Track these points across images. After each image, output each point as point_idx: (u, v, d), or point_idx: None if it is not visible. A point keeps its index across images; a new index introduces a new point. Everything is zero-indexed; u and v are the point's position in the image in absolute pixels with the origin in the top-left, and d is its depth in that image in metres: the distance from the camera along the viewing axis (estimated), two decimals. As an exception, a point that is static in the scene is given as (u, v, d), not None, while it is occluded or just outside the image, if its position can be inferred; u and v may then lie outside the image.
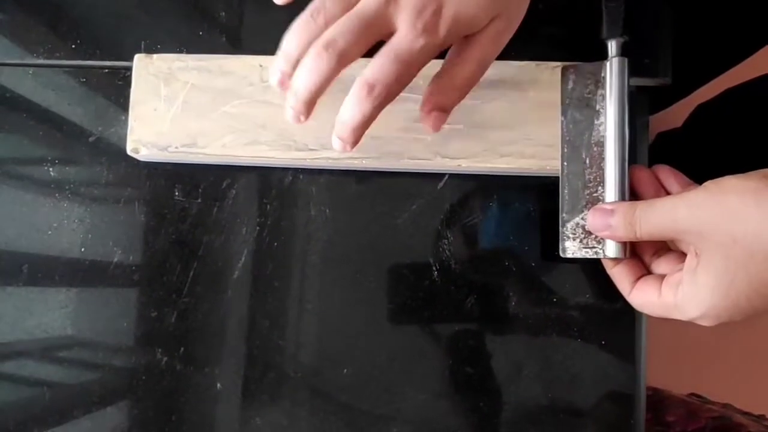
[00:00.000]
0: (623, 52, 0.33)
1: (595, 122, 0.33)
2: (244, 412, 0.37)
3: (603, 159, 0.33)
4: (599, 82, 0.33)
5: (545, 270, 0.36)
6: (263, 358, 0.37)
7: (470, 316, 0.36)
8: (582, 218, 0.33)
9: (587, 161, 0.33)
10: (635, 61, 0.34)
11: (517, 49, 0.37)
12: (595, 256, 0.33)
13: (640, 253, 0.33)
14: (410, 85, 0.35)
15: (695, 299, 0.28)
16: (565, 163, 0.34)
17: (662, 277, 0.31)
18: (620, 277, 0.33)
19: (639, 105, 0.37)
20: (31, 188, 0.39)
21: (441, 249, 0.37)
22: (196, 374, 0.37)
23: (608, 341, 0.36)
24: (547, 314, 0.36)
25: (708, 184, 0.28)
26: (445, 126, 0.35)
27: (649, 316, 0.36)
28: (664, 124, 0.86)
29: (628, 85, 0.33)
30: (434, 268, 0.37)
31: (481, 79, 0.35)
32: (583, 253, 0.33)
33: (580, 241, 0.33)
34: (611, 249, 0.32)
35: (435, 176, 0.37)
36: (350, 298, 0.37)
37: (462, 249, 0.37)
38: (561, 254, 0.34)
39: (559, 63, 0.35)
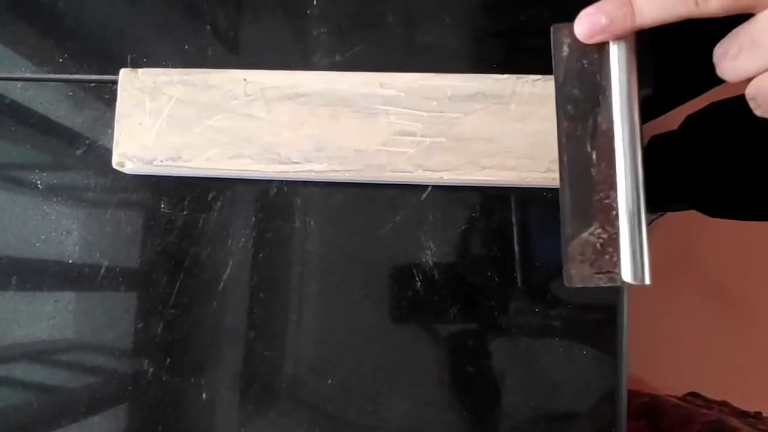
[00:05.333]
0: None
1: (601, 104, 0.26)
2: (230, 422, 0.37)
3: (614, 152, 0.26)
4: (603, 50, 0.26)
5: (527, 280, 0.37)
6: (249, 369, 0.37)
7: (453, 325, 0.37)
8: (591, 233, 0.26)
9: (594, 156, 0.26)
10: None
11: (499, 62, 0.37)
12: (610, 284, 0.26)
13: None
14: (391, 97, 0.36)
15: None
16: (566, 159, 0.26)
17: None
18: None
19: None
20: (20, 200, 0.39)
21: (424, 260, 0.37)
22: (183, 385, 0.37)
23: (590, 350, 0.37)
24: (530, 324, 0.37)
25: None
26: (427, 139, 0.35)
27: (632, 323, 0.36)
28: (658, 128, 0.86)
29: (638, 54, 0.26)
30: (417, 279, 0.37)
31: (462, 93, 0.36)
32: (596, 281, 0.26)
33: (590, 264, 0.26)
34: (628, 272, 0.26)
35: (418, 188, 0.37)
36: (334, 308, 0.37)
37: (445, 259, 0.37)
38: (566, 283, 0.26)
39: (539, 76, 0.35)
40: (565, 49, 0.27)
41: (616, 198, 0.26)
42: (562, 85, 0.27)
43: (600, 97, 0.26)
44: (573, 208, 0.26)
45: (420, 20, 0.38)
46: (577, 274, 0.26)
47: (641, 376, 1.04)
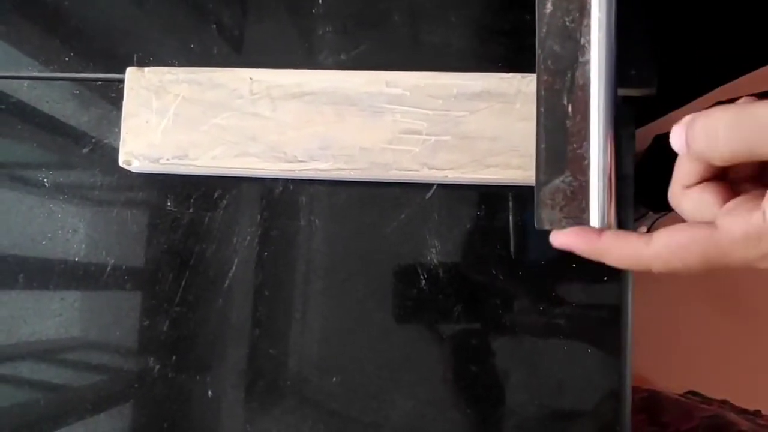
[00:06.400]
0: None
1: (580, 59, 0.27)
2: (234, 419, 0.37)
3: (589, 107, 0.27)
4: (584, 8, 0.27)
5: (532, 278, 0.37)
6: (254, 367, 0.37)
7: (458, 324, 0.37)
8: (563, 180, 0.27)
9: (569, 109, 0.27)
10: (620, 72, 0.33)
11: (504, 60, 0.37)
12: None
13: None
14: (396, 95, 0.36)
15: None
16: (542, 110, 0.28)
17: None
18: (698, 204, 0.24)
19: (625, 116, 0.37)
20: (26, 199, 0.39)
21: (429, 258, 0.37)
22: (188, 382, 0.37)
23: (594, 348, 0.37)
24: (534, 322, 0.37)
25: None
26: (432, 137, 0.36)
27: (635, 322, 0.36)
28: (660, 128, 0.86)
29: (617, 16, 0.27)
30: (422, 277, 0.37)
31: (468, 91, 0.36)
32: (564, 224, 0.27)
33: (560, 209, 0.27)
34: (595, 217, 0.27)
35: (423, 186, 0.37)
36: (339, 306, 0.37)
37: (449, 258, 0.37)
38: (536, 225, 0.28)
39: (544, 75, 0.35)
40: (549, 7, 0.28)
41: (588, 149, 0.27)
42: (544, 40, 0.28)
43: (579, 53, 0.27)
44: (547, 156, 0.28)
45: (425, 19, 0.38)
46: (547, 218, 0.28)
47: (642, 374, 1.04)
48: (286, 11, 0.39)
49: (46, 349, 0.39)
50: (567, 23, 0.28)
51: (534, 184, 0.29)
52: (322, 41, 0.38)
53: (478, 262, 0.37)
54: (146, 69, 0.37)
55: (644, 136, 0.89)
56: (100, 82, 0.40)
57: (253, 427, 0.37)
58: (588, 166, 0.27)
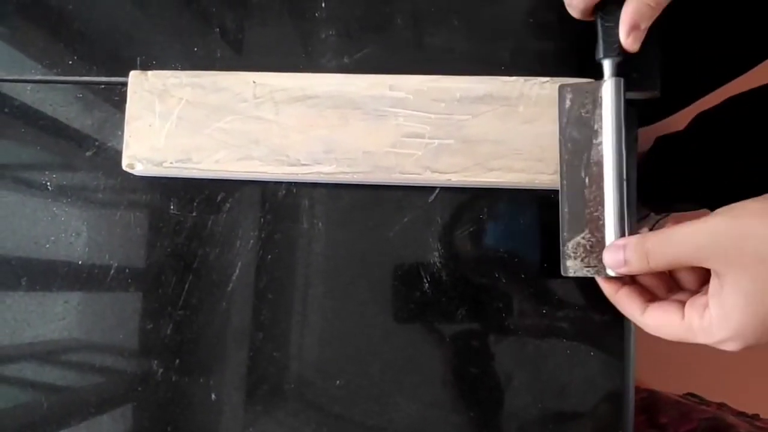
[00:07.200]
0: (619, 71, 0.33)
1: (594, 142, 0.33)
2: (238, 423, 0.37)
3: (602, 178, 0.33)
4: (596, 102, 0.33)
5: (535, 282, 0.37)
6: (257, 370, 0.37)
7: (461, 327, 0.37)
8: (583, 237, 0.33)
9: (587, 180, 0.33)
10: (624, 74, 0.34)
11: (507, 64, 0.37)
12: (596, 275, 0.33)
13: (652, 281, 0.33)
14: (400, 99, 0.36)
15: (724, 321, 0.28)
16: (565, 182, 0.34)
17: (678, 301, 0.31)
18: (628, 300, 0.32)
19: (629, 118, 0.37)
20: (30, 202, 0.40)
21: (432, 261, 0.37)
22: (192, 385, 0.37)
23: (597, 351, 0.37)
24: (537, 325, 0.37)
25: (722, 210, 0.28)
26: (435, 141, 0.36)
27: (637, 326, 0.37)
28: (663, 129, 0.86)
29: (625, 106, 0.33)
30: (425, 280, 0.37)
31: (471, 95, 0.36)
32: (585, 272, 0.33)
33: (581, 260, 0.33)
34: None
35: (426, 189, 0.37)
36: (342, 309, 0.38)
37: (453, 261, 0.37)
38: (563, 273, 0.34)
39: (547, 78, 0.35)
40: (567, 102, 0.34)
41: (603, 212, 0.33)
42: (564, 128, 0.34)
43: (593, 137, 0.33)
44: (569, 218, 0.34)
45: (428, 22, 0.38)
46: (571, 267, 0.34)
47: (641, 377, 1.03)
48: (289, 15, 0.39)
49: (50, 351, 0.39)
50: (582, 114, 0.34)
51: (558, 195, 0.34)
52: (325, 45, 0.38)
53: (481, 265, 0.37)
54: (149, 72, 0.37)
55: (646, 136, 0.89)
56: (103, 86, 0.40)
57: (256, 430, 0.37)
58: (603, 225, 0.33)
